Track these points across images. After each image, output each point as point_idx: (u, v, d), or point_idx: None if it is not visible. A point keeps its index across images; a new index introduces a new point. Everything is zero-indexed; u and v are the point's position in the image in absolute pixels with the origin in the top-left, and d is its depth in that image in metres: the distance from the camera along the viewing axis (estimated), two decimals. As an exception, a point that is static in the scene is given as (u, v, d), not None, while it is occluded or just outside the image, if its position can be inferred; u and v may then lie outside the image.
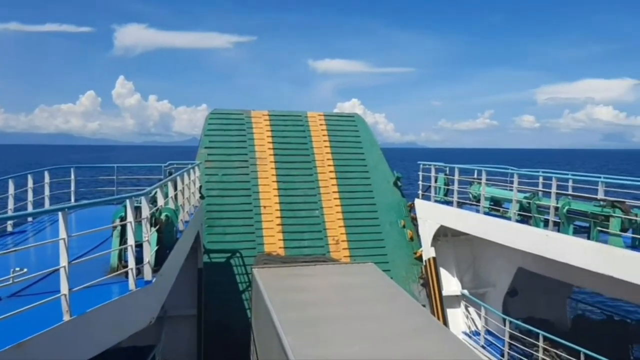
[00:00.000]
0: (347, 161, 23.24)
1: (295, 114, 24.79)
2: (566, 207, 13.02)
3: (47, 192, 14.42)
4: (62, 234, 6.73)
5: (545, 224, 13.79)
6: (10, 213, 12.57)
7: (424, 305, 18.19)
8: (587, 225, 12.68)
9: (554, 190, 13.59)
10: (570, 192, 14.85)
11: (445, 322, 17.99)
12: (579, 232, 12.97)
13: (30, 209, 13.62)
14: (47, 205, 14.16)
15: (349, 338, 10.13)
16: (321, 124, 24.47)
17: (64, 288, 6.70)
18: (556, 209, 13.35)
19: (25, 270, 6.91)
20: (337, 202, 21.67)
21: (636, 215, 11.75)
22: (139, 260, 8.58)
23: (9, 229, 12.89)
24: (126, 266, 8.45)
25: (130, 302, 8.04)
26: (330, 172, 22.66)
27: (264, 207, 20.95)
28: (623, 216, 11.71)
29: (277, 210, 20.93)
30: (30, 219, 13.83)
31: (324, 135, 24.00)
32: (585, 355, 12.74)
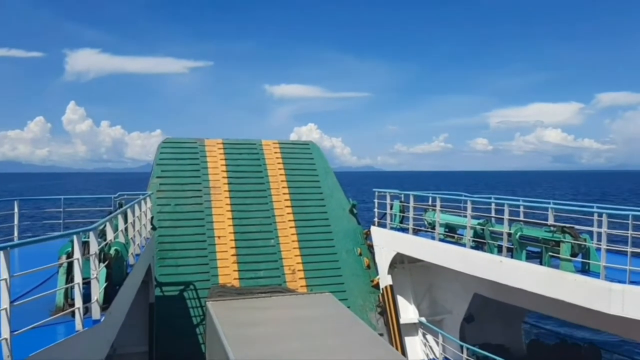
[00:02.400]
0: (302, 189, 23.03)
1: (250, 143, 24.53)
2: (518, 233, 13.26)
3: None
4: (4, 274, 6.36)
5: (499, 249, 14.01)
6: None
7: (381, 334, 18.05)
8: (539, 250, 12.95)
9: (506, 216, 13.84)
10: (521, 217, 15.13)
11: (403, 351, 17.90)
12: (531, 257, 13.22)
13: None
14: None
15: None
16: (276, 152, 24.28)
17: (5, 332, 6.33)
18: (509, 235, 13.58)
19: None
20: (292, 230, 21.40)
21: (585, 240, 12.07)
22: (86, 298, 8.18)
23: None
24: (73, 305, 8.03)
25: (76, 343, 7.62)
26: (286, 200, 22.40)
27: (218, 237, 20.48)
28: (573, 241, 12.00)
29: (231, 240, 20.46)
30: None
31: (279, 164, 23.75)
32: None
